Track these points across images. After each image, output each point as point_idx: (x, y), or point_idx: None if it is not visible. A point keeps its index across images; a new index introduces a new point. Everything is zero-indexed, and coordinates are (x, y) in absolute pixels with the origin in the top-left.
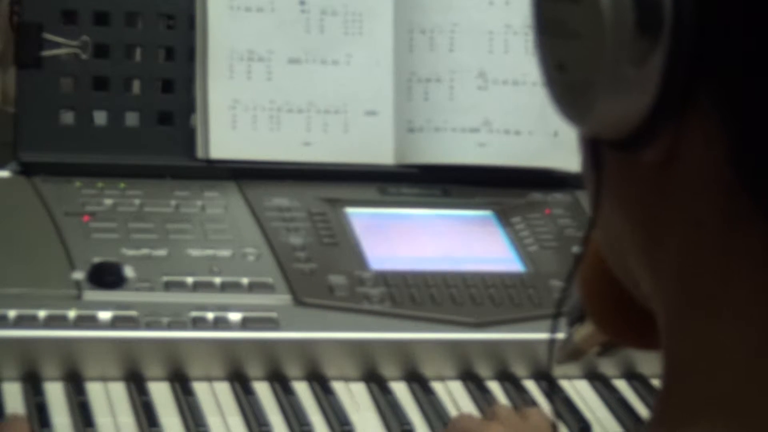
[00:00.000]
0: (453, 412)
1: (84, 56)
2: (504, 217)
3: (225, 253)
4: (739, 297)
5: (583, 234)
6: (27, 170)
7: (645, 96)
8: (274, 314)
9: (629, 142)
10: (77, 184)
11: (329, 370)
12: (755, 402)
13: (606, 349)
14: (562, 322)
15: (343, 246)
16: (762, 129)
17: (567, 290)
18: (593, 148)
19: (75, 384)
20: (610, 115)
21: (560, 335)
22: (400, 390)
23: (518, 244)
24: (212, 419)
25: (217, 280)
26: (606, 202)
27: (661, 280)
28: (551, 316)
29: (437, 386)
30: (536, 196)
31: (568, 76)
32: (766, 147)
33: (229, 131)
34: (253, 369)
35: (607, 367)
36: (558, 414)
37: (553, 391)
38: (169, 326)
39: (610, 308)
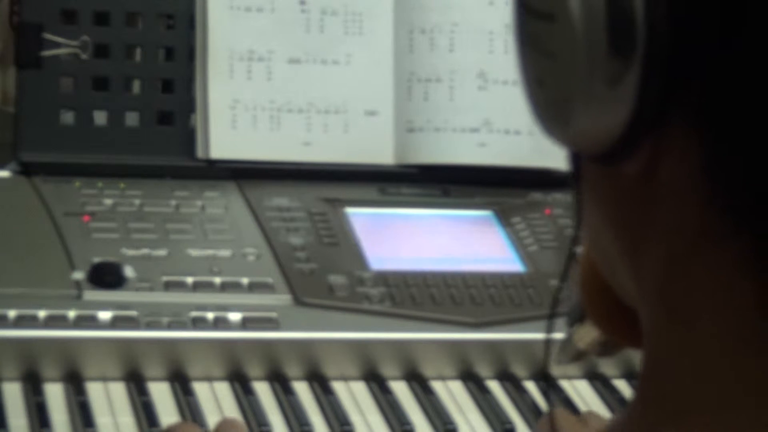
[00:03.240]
0: (453, 412)
1: (84, 56)
2: (504, 217)
3: (225, 253)
4: (713, 306)
5: (572, 236)
6: (27, 170)
7: (620, 114)
8: (274, 314)
9: (607, 156)
10: (77, 184)
11: (329, 370)
12: (730, 407)
13: (606, 349)
14: (562, 322)
15: (343, 246)
16: (735, 144)
17: (561, 290)
18: (574, 160)
19: (75, 384)
20: (587, 131)
21: (560, 336)
22: (400, 390)
23: (518, 244)
24: (212, 419)
25: (217, 280)
26: (590, 211)
27: (642, 287)
28: (548, 315)
29: (437, 386)
30: (536, 196)
31: (547, 91)
32: (739, 161)
33: (229, 131)
34: (253, 369)
35: (607, 367)
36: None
37: (547, 385)
38: (169, 326)
39: (609, 308)
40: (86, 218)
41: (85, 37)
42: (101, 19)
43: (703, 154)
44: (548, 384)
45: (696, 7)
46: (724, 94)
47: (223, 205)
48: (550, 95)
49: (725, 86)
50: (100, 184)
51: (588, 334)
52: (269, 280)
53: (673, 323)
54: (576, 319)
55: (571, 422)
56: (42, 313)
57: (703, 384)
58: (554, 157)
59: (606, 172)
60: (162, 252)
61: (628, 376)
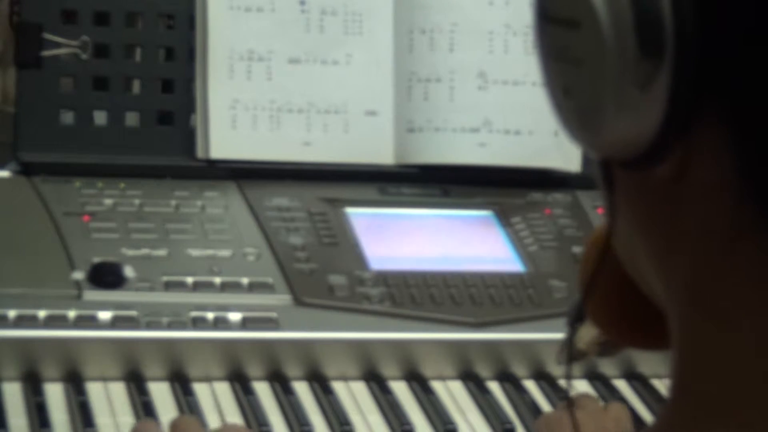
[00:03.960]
0: (453, 412)
1: (84, 56)
2: (504, 217)
3: (225, 253)
4: (746, 304)
5: (602, 249)
6: (27, 170)
7: (652, 117)
8: (274, 314)
9: (639, 161)
10: (77, 184)
11: (329, 370)
12: (754, 407)
13: (606, 349)
14: (562, 323)
15: (343, 246)
16: (766, 143)
17: (581, 309)
18: (604, 167)
19: (75, 384)
20: (619, 137)
21: (560, 336)
22: (400, 390)
23: (518, 244)
24: (212, 419)
25: (217, 280)
26: (620, 216)
27: (673, 289)
28: (553, 317)
29: (437, 386)
30: (536, 196)
31: (575, 100)
32: None
33: (229, 131)
34: (253, 369)
35: (607, 367)
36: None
37: (568, 403)
38: (169, 326)
39: (613, 310)
40: (86, 218)
41: (85, 37)
42: (101, 19)
43: (736, 152)
44: (568, 401)
45: (723, 8)
46: (755, 92)
47: (223, 205)
48: (578, 103)
49: (755, 85)
50: (100, 184)
51: (588, 334)
52: (269, 280)
53: (707, 322)
54: (576, 319)
55: (595, 407)
56: (42, 313)
57: (742, 381)
58: (554, 157)
59: (636, 175)
60: (162, 252)
61: (628, 376)
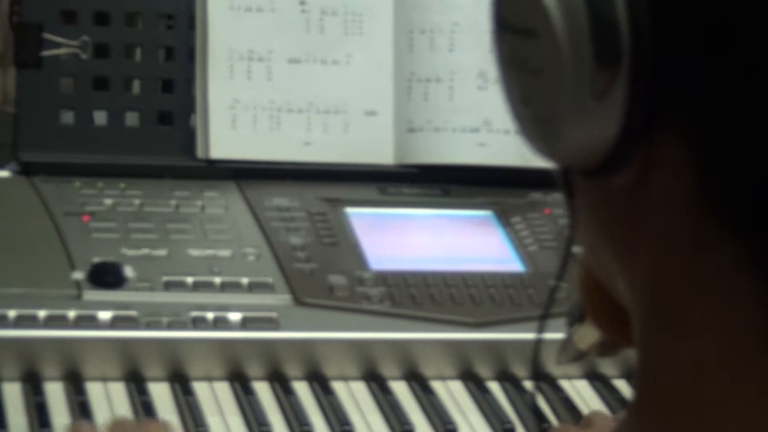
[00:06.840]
0: (453, 412)
1: (84, 56)
2: (504, 217)
3: (225, 253)
4: (705, 313)
5: (568, 240)
6: (27, 170)
7: (610, 127)
8: (274, 314)
9: (598, 170)
10: (77, 184)
11: (329, 370)
12: (713, 415)
13: (606, 350)
14: (562, 323)
15: (343, 246)
16: (727, 152)
17: (557, 291)
18: (564, 175)
19: (75, 384)
20: (577, 146)
21: (560, 336)
22: (400, 390)
23: (518, 244)
24: (212, 419)
25: (217, 280)
26: (582, 223)
27: (635, 294)
28: (544, 315)
29: (437, 386)
30: (536, 196)
31: (533, 109)
32: (731, 170)
33: (229, 131)
34: (253, 369)
35: (607, 367)
36: (536, 408)
37: (536, 379)
38: (169, 326)
39: (609, 309)
40: (86, 218)
41: (85, 37)
42: (101, 19)
43: (695, 162)
44: (537, 381)
45: (680, 17)
46: (713, 102)
47: (223, 205)
48: (536, 112)
49: (713, 94)
50: (100, 184)
51: (588, 335)
52: (269, 280)
53: (666, 330)
54: (576, 319)
55: (605, 423)
56: (42, 313)
57: (702, 389)
58: None
59: (597, 184)
60: (162, 252)
61: (628, 376)
